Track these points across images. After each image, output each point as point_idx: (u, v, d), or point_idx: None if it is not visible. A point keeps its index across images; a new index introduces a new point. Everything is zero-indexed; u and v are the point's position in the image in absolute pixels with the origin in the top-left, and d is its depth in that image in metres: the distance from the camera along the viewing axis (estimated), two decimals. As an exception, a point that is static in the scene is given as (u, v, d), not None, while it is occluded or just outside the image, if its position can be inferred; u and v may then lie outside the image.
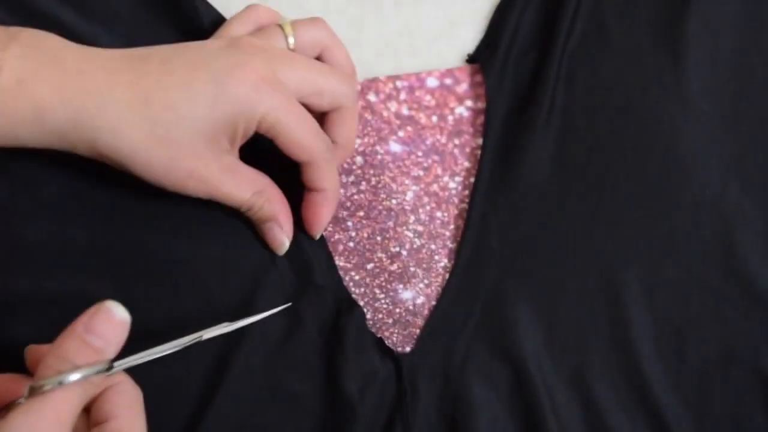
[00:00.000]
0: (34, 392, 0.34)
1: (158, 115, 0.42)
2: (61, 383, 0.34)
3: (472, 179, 0.51)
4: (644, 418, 0.48)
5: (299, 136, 0.45)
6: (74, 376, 0.34)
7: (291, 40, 0.47)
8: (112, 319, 0.37)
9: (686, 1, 0.53)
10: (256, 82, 0.43)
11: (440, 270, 0.50)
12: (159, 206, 0.47)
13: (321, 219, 0.48)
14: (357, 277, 0.50)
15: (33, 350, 0.39)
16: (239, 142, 0.45)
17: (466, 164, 0.52)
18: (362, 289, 0.49)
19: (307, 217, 0.48)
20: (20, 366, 0.40)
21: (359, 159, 0.51)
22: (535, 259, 0.50)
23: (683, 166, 0.51)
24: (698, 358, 0.49)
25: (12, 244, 0.47)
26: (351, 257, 0.50)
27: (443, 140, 0.52)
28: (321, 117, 0.48)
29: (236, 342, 0.47)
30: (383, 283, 0.50)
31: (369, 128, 0.52)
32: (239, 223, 0.48)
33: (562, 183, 0.51)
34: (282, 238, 0.48)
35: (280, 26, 0.48)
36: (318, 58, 0.49)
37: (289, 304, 0.47)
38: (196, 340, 0.42)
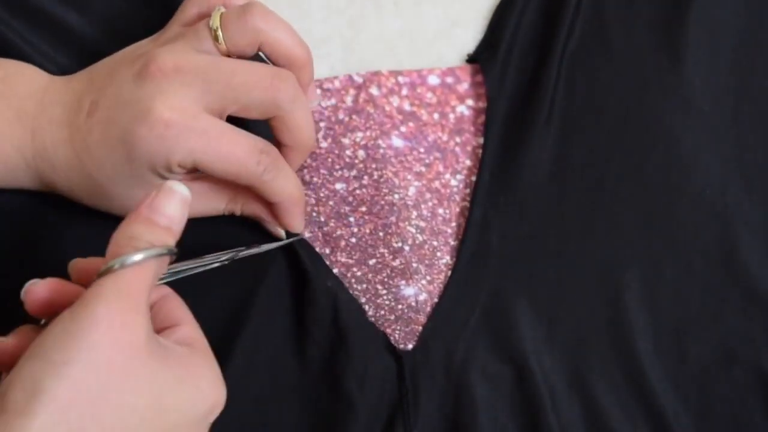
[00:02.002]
0: (107, 271, 0.34)
1: (93, 175, 0.43)
2: (132, 261, 0.34)
3: (473, 178, 0.51)
4: (644, 418, 0.48)
5: (226, 168, 0.42)
6: (142, 255, 0.35)
7: (222, 47, 0.43)
8: (175, 198, 0.37)
9: (686, 2, 0.53)
10: (162, 134, 0.41)
11: (442, 267, 0.50)
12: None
13: (291, 224, 0.47)
14: (359, 273, 0.49)
15: (80, 263, 0.39)
16: (182, 174, 0.44)
17: (468, 162, 0.52)
18: (364, 285, 0.49)
19: (280, 222, 0.47)
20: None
21: (361, 153, 0.51)
22: (535, 258, 0.50)
23: (683, 166, 0.51)
24: (698, 358, 0.49)
25: (22, 248, 0.46)
26: (353, 253, 0.49)
27: (445, 138, 0.52)
28: None
29: (236, 338, 0.46)
30: (385, 279, 0.49)
31: (371, 122, 0.51)
32: (236, 220, 0.48)
33: (562, 183, 0.51)
34: (275, 230, 0.48)
35: (209, 26, 0.44)
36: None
37: (300, 237, 0.48)
38: (233, 257, 0.45)
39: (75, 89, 0.45)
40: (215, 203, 0.47)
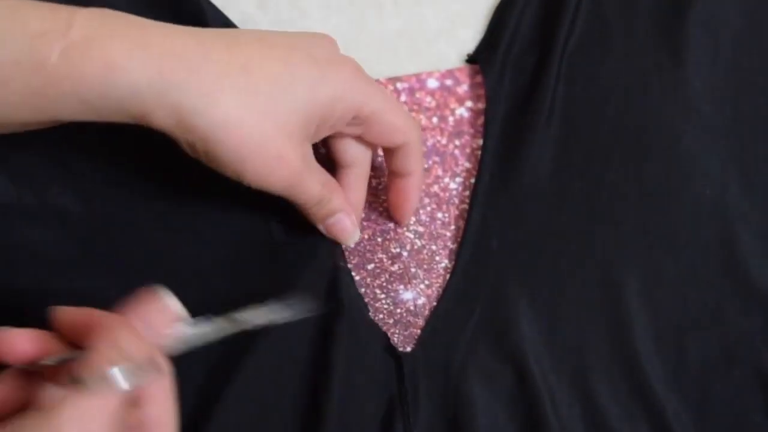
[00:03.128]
0: (82, 383, 0.32)
1: (258, 85, 0.39)
2: (110, 382, 0.33)
3: (473, 180, 0.51)
4: (644, 417, 0.48)
5: (397, 120, 0.45)
6: (125, 377, 0.33)
7: None
8: (167, 311, 0.36)
9: (686, 2, 0.53)
10: (355, 73, 0.43)
11: (441, 271, 0.50)
12: (165, 207, 0.47)
13: (411, 204, 0.49)
14: (358, 278, 0.50)
15: (66, 314, 0.36)
16: (324, 134, 0.44)
17: (467, 165, 0.52)
18: (363, 290, 0.49)
19: (397, 203, 0.49)
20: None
21: (360, 160, 0.51)
22: (535, 259, 0.50)
23: (683, 166, 0.51)
24: (698, 358, 0.49)
25: (17, 243, 0.46)
26: (351, 258, 0.50)
27: (444, 141, 0.52)
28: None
29: (237, 343, 0.47)
30: (384, 284, 0.50)
31: (369, 129, 0.52)
32: (244, 224, 0.48)
33: (562, 183, 0.51)
34: (353, 227, 0.47)
35: None
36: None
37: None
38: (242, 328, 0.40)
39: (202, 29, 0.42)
40: (317, 181, 0.45)
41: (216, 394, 0.46)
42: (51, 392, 0.33)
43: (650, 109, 0.52)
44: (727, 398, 0.49)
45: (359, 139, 0.47)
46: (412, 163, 0.47)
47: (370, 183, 0.51)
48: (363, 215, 0.50)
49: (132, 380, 0.33)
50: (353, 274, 0.50)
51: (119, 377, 0.32)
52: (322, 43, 0.44)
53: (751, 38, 0.53)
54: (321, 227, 0.47)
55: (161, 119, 0.38)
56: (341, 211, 0.46)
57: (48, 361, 0.36)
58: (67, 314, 0.36)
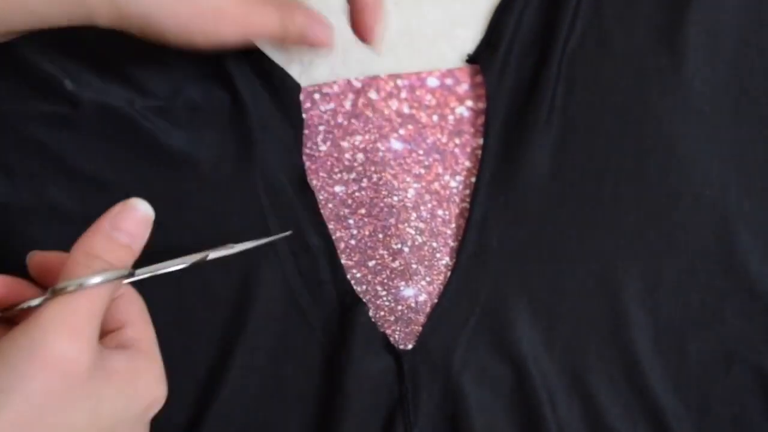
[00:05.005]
0: (61, 291, 0.34)
1: None
2: (87, 284, 0.34)
3: (473, 179, 0.51)
4: (644, 418, 0.48)
5: None
6: (100, 278, 0.35)
7: None
8: (137, 215, 0.37)
9: (686, 2, 0.53)
10: None
11: (442, 268, 0.50)
12: (164, 206, 0.47)
13: (376, 19, 0.47)
14: (359, 275, 0.49)
15: (38, 257, 0.40)
16: None
17: (467, 164, 0.52)
18: (364, 287, 0.49)
19: (359, 25, 0.47)
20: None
21: (360, 156, 0.51)
22: (535, 258, 0.50)
23: (683, 166, 0.51)
24: (698, 358, 0.49)
25: (17, 243, 0.46)
26: (353, 254, 0.49)
27: (444, 139, 0.52)
28: None
29: (238, 337, 0.46)
30: (385, 281, 0.49)
31: (370, 125, 0.51)
32: (240, 216, 0.48)
33: (562, 183, 0.51)
34: (324, 33, 0.47)
35: None
36: None
37: (289, 232, 0.47)
38: (202, 258, 0.42)
39: None
40: (273, 14, 0.45)
41: (215, 393, 0.46)
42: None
43: (650, 109, 0.52)
44: (727, 398, 0.49)
45: None
46: None
47: (370, 178, 0.50)
48: (364, 212, 0.50)
49: (108, 282, 0.35)
50: (354, 271, 0.49)
51: (96, 280, 0.34)
52: None
53: (751, 38, 0.53)
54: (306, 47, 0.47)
55: (105, 17, 0.41)
56: (308, 31, 0.46)
57: (26, 305, 0.37)
58: (40, 258, 0.39)
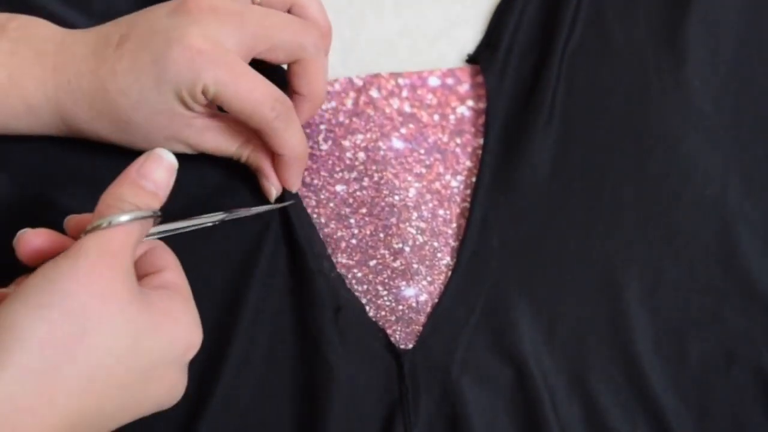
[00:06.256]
0: (94, 230, 0.36)
1: (116, 101, 0.44)
2: (118, 221, 0.36)
3: (474, 179, 0.51)
4: (644, 418, 0.48)
5: (242, 105, 0.44)
6: (129, 216, 0.37)
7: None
8: (162, 164, 0.39)
9: (686, 2, 0.53)
10: (193, 58, 0.43)
11: (443, 267, 0.50)
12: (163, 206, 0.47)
13: (290, 180, 0.48)
14: (360, 275, 0.49)
15: (74, 219, 0.41)
16: (203, 107, 0.46)
17: (468, 163, 0.52)
18: (365, 287, 0.49)
19: (279, 177, 0.49)
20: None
21: (362, 155, 0.51)
22: (535, 258, 0.50)
23: (683, 166, 0.51)
24: (698, 358, 0.49)
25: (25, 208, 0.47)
26: (353, 254, 0.49)
27: (445, 139, 0.52)
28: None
29: (231, 335, 0.46)
30: (386, 280, 0.49)
31: (372, 124, 0.51)
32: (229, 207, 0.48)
33: (562, 183, 0.51)
34: (268, 187, 0.49)
35: None
36: (289, 12, 0.49)
37: (292, 201, 0.49)
38: (223, 218, 0.46)
39: (99, 30, 0.46)
40: (228, 143, 0.48)
41: (211, 392, 0.45)
42: None
43: (650, 108, 0.52)
44: (727, 398, 0.49)
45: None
46: (275, 147, 0.47)
47: (372, 177, 0.50)
48: (365, 211, 0.50)
49: (137, 220, 0.37)
50: (355, 270, 0.49)
51: (125, 218, 0.37)
52: (171, 21, 0.44)
53: (751, 38, 0.53)
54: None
55: (75, 136, 0.47)
56: (259, 171, 0.49)
57: None
58: (76, 220, 0.41)
